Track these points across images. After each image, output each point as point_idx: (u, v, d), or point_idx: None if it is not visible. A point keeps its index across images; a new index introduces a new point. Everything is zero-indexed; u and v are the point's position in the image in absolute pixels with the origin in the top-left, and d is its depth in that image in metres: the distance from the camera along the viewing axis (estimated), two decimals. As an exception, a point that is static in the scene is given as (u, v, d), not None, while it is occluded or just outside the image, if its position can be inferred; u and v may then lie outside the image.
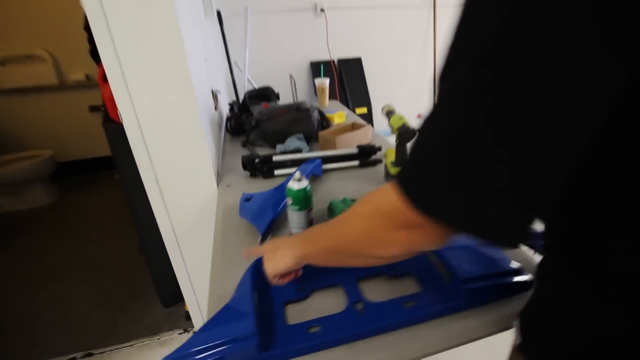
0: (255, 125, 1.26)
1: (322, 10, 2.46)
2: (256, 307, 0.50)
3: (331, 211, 0.77)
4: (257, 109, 1.51)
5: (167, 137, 0.91)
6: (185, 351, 0.45)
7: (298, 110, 1.19)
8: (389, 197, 0.32)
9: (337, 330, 0.51)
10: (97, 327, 1.44)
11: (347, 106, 2.42)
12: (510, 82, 0.23)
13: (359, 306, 0.56)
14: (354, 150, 1.04)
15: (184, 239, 1.09)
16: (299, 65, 2.66)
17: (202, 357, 0.45)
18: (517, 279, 0.56)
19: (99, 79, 1.13)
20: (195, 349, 0.45)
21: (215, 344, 0.46)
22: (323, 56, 2.65)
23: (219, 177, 1.07)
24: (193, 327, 1.37)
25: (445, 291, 0.57)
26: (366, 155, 1.04)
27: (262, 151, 1.19)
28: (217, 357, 0.45)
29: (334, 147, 1.11)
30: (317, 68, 2.64)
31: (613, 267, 0.30)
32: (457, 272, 0.55)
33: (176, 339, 1.36)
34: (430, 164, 0.29)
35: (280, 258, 0.51)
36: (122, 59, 0.79)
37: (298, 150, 1.10)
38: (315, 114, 1.23)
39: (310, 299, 0.59)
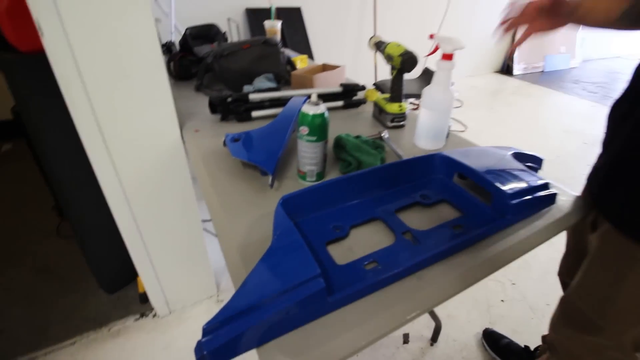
0: (209, 65, 1.06)
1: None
2: (310, 250, 0.41)
3: (340, 146, 0.68)
4: (203, 50, 1.29)
5: (112, 66, 0.69)
6: (230, 312, 0.34)
7: (265, 45, 1.03)
8: None
9: (396, 263, 0.45)
10: (21, 328, 1.15)
11: (291, 58, 2.26)
12: None
13: (408, 236, 0.50)
14: (337, 88, 0.95)
15: (139, 202, 0.90)
16: (234, 12, 2.36)
17: (259, 313, 0.34)
18: (547, 192, 0.57)
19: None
20: (250, 303, 0.35)
21: (274, 295, 0.35)
22: (259, 3, 2.40)
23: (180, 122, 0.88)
24: (153, 309, 1.19)
25: (488, 211, 0.55)
26: (350, 93, 0.95)
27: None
28: (280, 308, 0.35)
29: (312, 86, 0.99)
30: (254, 15, 2.38)
31: None
32: (502, 189, 0.52)
33: (132, 327, 1.16)
34: None
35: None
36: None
37: (272, 90, 0.96)
38: (284, 53, 1.08)
39: (351, 237, 0.51)
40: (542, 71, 3.96)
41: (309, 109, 0.56)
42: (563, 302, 0.69)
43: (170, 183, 0.91)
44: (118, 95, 0.72)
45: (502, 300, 1.23)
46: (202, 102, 0.98)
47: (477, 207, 0.56)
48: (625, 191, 0.52)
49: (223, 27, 2.18)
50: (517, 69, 3.87)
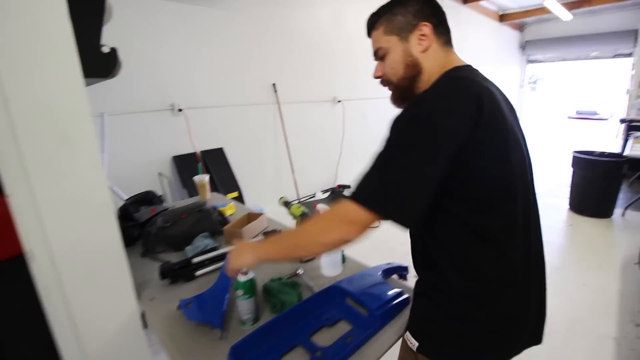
0: (153, 234, 1.31)
1: (180, 110, 2.66)
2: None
3: (267, 292, 0.96)
4: (144, 215, 1.53)
5: (83, 265, 0.91)
6: None
7: (200, 212, 1.34)
8: (343, 205, 0.64)
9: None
10: None
11: (219, 192, 2.60)
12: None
13: (318, 353, 0.77)
14: (260, 237, 1.26)
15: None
16: (162, 160, 2.71)
17: None
18: (402, 298, 0.90)
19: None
20: None
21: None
22: (184, 150, 2.80)
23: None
24: None
25: (366, 320, 0.85)
26: (271, 238, 1.28)
27: (165, 257, 1.25)
28: None
29: (241, 237, 1.30)
30: (180, 161, 2.74)
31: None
32: (370, 305, 0.84)
33: None
34: (371, 185, 0.62)
35: (244, 257, 0.78)
36: (38, 196, 0.81)
37: (212, 249, 1.23)
38: (215, 212, 1.40)
39: (282, 364, 0.76)
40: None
41: (241, 277, 0.84)
42: None
43: (128, 349, 1.05)
44: (89, 288, 0.92)
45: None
46: (148, 267, 1.20)
47: (361, 319, 0.86)
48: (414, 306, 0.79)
49: (154, 176, 2.47)
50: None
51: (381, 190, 0.60)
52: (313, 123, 3.78)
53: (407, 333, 0.76)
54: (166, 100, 2.62)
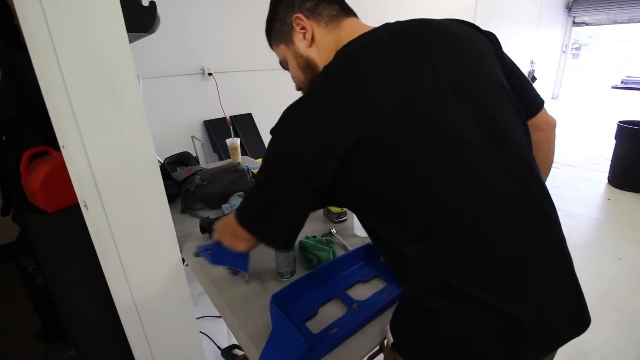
0: (192, 192, 1.36)
1: (210, 74, 2.67)
2: (296, 327, 0.68)
3: (303, 248, 0.99)
4: (181, 175, 1.59)
5: (132, 215, 0.96)
6: None
7: (235, 172, 1.36)
8: (232, 216, 0.63)
9: (348, 325, 0.73)
10: None
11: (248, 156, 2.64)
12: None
13: (355, 305, 0.80)
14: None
15: (147, 313, 1.10)
16: (193, 124, 2.76)
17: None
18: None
19: (22, 170, 1.06)
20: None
21: (280, 358, 0.62)
22: (215, 114, 2.83)
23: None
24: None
25: (402, 279, 0.87)
26: (304, 199, 1.29)
27: (203, 214, 1.30)
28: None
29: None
30: (211, 126, 2.79)
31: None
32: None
33: None
34: (249, 207, 0.60)
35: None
36: (89, 149, 0.85)
37: (245, 206, 1.27)
38: (250, 173, 1.42)
39: (320, 313, 0.79)
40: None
41: (280, 232, 0.87)
42: None
43: (174, 300, 1.12)
44: (137, 236, 0.98)
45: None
46: (189, 222, 1.26)
47: (394, 277, 0.88)
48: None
49: (186, 139, 2.54)
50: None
51: (256, 211, 0.59)
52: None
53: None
54: (196, 64, 2.62)
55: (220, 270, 0.96)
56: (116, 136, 0.88)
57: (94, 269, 1.10)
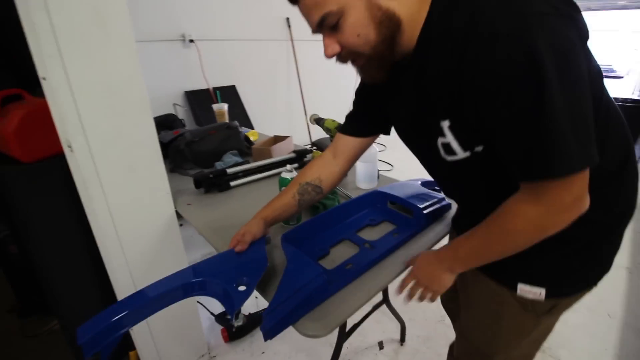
0: (181, 150, 1.29)
1: (191, 40, 2.52)
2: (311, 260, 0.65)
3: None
4: (167, 137, 1.50)
5: (121, 160, 0.88)
6: (281, 299, 0.56)
7: (228, 129, 1.29)
8: (550, 191, 0.45)
9: (362, 262, 0.71)
10: None
11: (234, 130, 2.55)
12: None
13: (367, 245, 0.77)
14: (292, 155, 1.24)
15: (141, 273, 1.03)
16: (174, 95, 2.61)
17: (294, 297, 0.57)
18: (444, 203, 0.89)
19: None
20: (286, 296, 0.57)
21: (299, 288, 0.58)
22: (197, 85, 2.69)
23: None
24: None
25: (412, 221, 0.85)
26: (303, 156, 1.25)
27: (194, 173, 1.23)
28: (305, 294, 0.58)
29: (270, 156, 1.27)
30: (192, 96, 2.66)
31: None
32: (418, 206, 0.83)
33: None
34: (566, 146, 0.41)
35: (441, 280, 0.63)
36: (73, 81, 0.76)
37: (239, 164, 1.21)
38: (243, 131, 1.36)
39: (331, 253, 0.76)
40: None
41: (287, 174, 0.83)
42: (459, 338, 0.81)
43: (168, 254, 1.06)
44: (127, 185, 0.91)
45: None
46: (179, 180, 1.19)
47: (405, 220, 0.86)
48: None
49: (164, 110, 2.41)
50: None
51: (580, 143, 0.43)
52: (328, 63, 3.61)
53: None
54: (176, 29, 2.47)
55: (219, 218, 0.91)
56: (103, 70, 0.79)
57: (78, 228, 1.02)
